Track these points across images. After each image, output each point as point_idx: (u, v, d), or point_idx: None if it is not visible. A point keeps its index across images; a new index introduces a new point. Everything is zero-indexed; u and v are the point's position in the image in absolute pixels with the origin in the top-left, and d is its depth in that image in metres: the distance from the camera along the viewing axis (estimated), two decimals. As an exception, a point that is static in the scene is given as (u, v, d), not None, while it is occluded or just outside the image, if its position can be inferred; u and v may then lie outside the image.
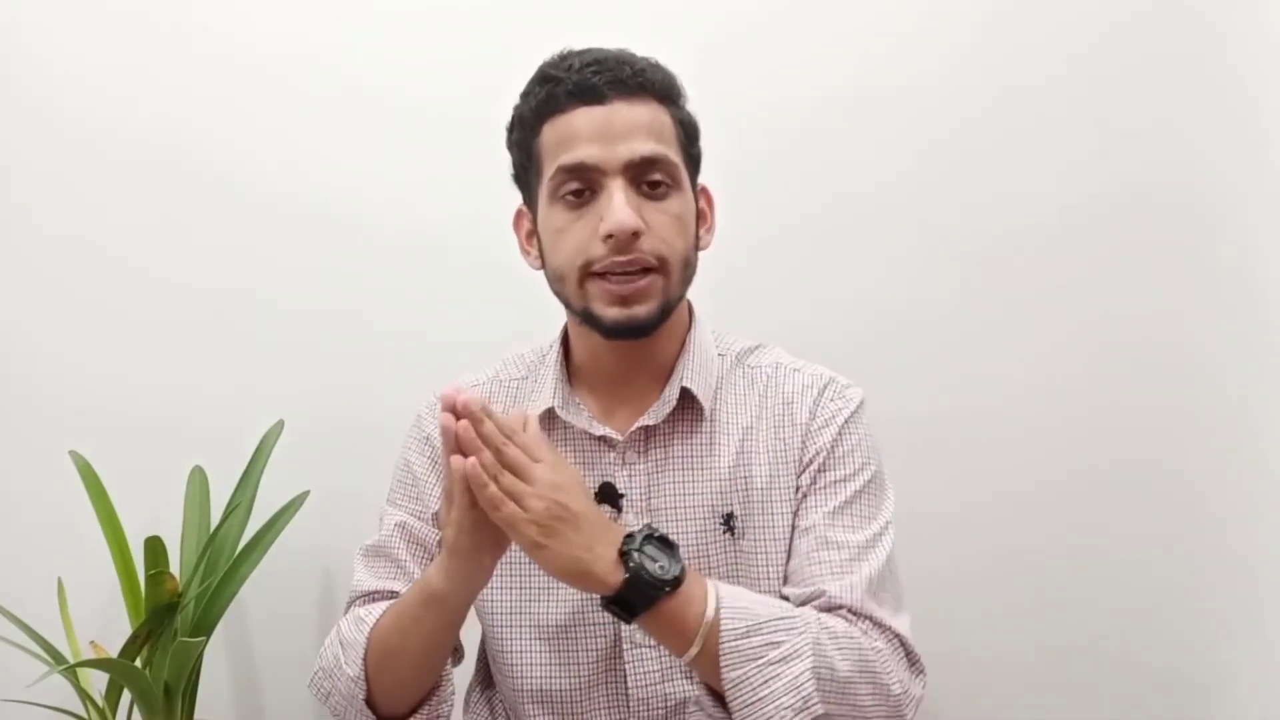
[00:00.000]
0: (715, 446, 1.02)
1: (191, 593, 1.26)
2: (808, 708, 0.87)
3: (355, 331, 1.50)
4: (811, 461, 1.01)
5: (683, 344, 1.05)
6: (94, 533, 1.33)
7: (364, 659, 0.96)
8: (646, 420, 1.01)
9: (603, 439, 1.02)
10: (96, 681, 1.30)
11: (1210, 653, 1.47)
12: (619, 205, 0.94)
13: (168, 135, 1.49)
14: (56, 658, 1.26)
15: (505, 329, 1.32)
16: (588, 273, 0.96)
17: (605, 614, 0.90)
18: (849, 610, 0.94)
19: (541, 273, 1.04)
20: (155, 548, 1.19)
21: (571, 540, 0.86)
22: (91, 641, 1.36)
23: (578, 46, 1.00)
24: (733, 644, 0.88)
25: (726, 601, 0.90)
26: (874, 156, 1.49)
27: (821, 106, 1.49)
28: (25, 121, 1.48)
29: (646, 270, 0.96)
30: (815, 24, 1.49)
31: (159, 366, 1.49)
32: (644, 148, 0.95)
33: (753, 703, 0.88)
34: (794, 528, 1.00)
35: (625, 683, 1.00)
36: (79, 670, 1.26)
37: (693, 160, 1.03)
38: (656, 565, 0.87)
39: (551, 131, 0.97)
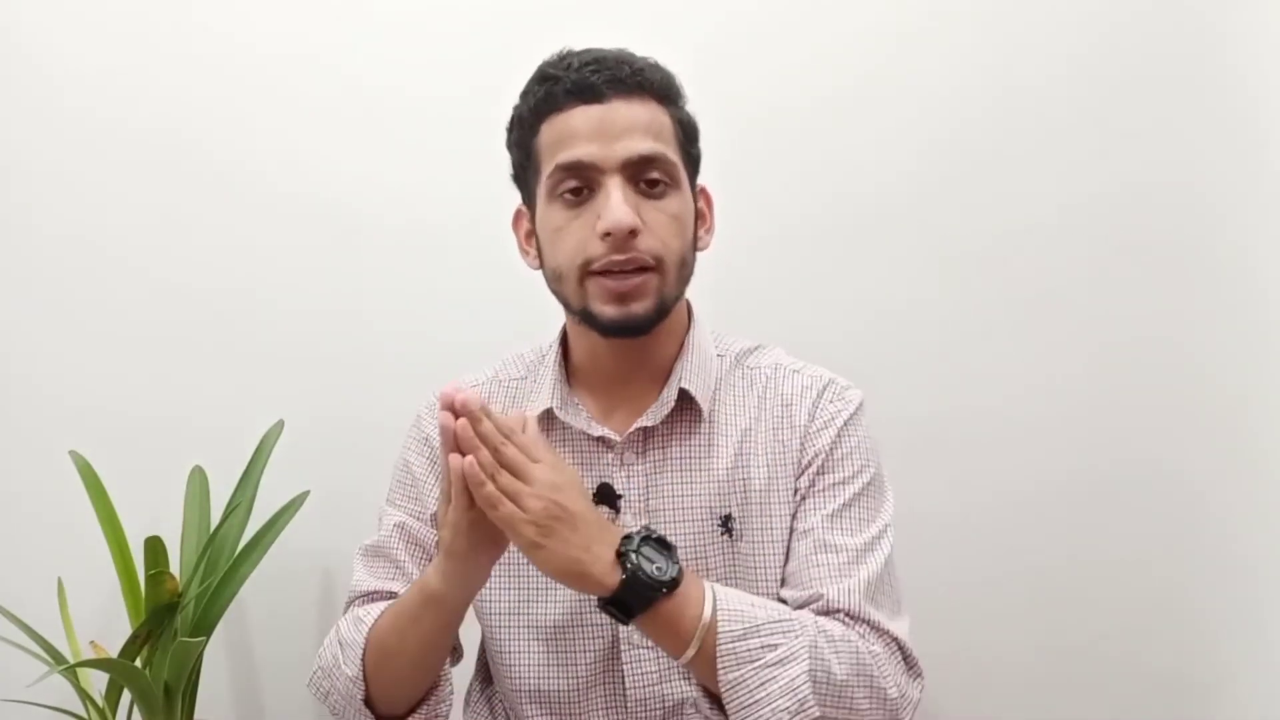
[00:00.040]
0: (713, 448, 1.02)
1: (191, 593, 1.26)
2: (804, 710, 0.87)
3: (355, 331, 1.50)
4: (810, 464, 1.01)
5: (682, 344, 1.04)
6: (94, 533, 1.33)
7: (362, 659, 0.97)
8: (645, 421, 1.01)
9: (601, 440, 1.02)
10: (96, 681, 1.30)
11: (1210, 653, 1.47)
12: (616, 203, 0.94)
13: (168, 135, 1.49)
14: (56, 658, 1.26)
15: (505, 329, 1.32)
16: (586, 271, 0.96)
17: (603, 615, 0.90)
18: (847, 614, 0.94)
19: (540, 272, 1.04)
20: (155, 548, 1.19)
21: (569, 541, 0.86)
22: (91, 641, 1.36)
23: (577, 46, 1.00)
24: (729, 646, 0.88)
25: (724, 603, 0.90)
26: (874, 156, 1.49)
27: (821, 106, 1.48)
28: (25, 121, 1.48)
29: (643, 269, 0.95)
30: (815, 24, 1.48)
31: (159, 366, 1.49)
32: (642, 146, 0.95)
33: (749, 705, 0.88)
34: (792, 530, 1.00)
35: (623, 683, 1.00)
36: (79, 670, 1.26)
37: (692, 160, 1.03)
38: (654, 566, 0.87)
39: (550, 130, 0.97)
